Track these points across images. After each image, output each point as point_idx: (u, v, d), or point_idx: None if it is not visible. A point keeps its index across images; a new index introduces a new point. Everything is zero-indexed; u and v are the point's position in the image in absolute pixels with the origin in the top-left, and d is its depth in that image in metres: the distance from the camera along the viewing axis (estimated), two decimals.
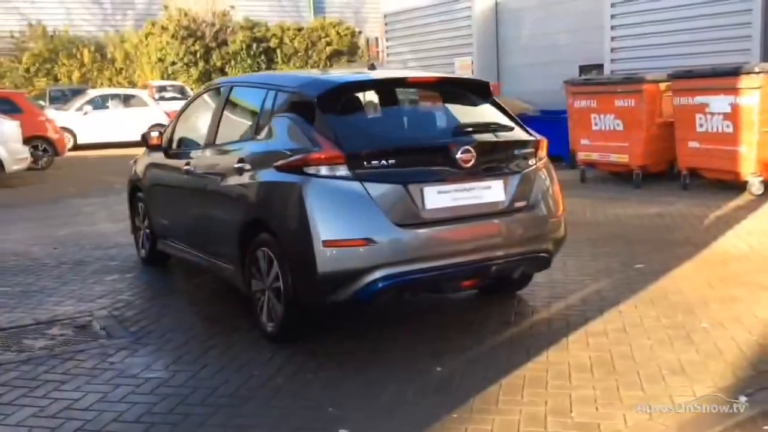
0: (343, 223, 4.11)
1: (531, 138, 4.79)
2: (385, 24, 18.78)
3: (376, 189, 4.14)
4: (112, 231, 8.64)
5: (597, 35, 13.20)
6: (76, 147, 19.47)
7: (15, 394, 3.92)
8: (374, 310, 5.00)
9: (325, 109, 4.37)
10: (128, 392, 3.90)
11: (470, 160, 4.35)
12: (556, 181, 4.98)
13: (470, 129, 4.68)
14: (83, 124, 19.78)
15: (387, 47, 18.53)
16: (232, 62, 28.02)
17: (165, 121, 20.97)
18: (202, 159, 5.46)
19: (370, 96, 4.70)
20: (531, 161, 4.73)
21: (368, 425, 3.43)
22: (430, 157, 4.36)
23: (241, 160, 4.75)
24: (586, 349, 4.28)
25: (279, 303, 4.42)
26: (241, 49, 28.10)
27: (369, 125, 4.52)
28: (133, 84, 26.38)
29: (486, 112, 4.89)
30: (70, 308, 5.54)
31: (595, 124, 10.79)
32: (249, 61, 28.26)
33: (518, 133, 4.80)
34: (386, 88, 4.80)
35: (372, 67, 5.13)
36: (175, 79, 26.43)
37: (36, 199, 11.89)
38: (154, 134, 6.35)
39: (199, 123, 5.84)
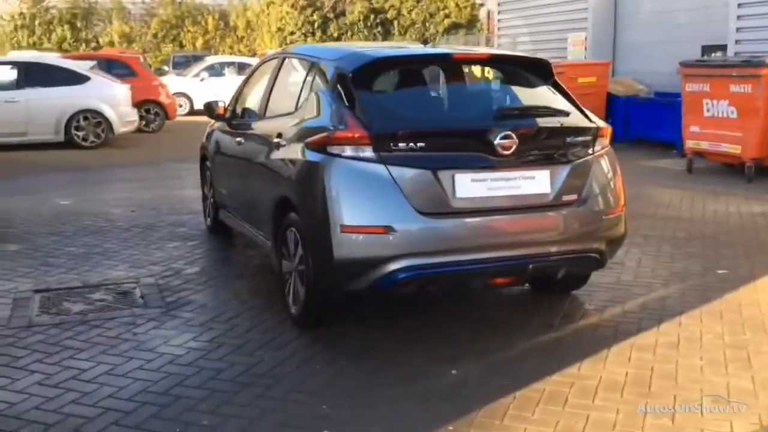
0: (362, 208, 3.87)
1: (589, 125, 4.34)
2: None
3: (403, 174, 3.85)
4: (195, 197, 8.77)
5: (722, 13, 12.10)
6: (192, 112, 20.12)
7: (31, 358, 3.97)
8: (408, 301, 4.73)
9: (360, 85, 4.11)
10: (136, 366, 3.85)
11: (511, 147, 3.98)
12: (619, 173, 4.51)
13: (515, 112, 4.29)
14: (199, 90, 20.36)
15: (499, 21, 17.88)
16: (349, 33, 28.11)
17: None
18: (253, 131, 5.36)
19: (412, 73, 4.39)
20: (588, 150, 4.28)
21: (350, 428, 3.20)
22: (466, 142, 4.02)
23: (279, 135, 4.59)
24: (625, 364, 3.85)
25: (302, 286, 4.25)
26: (359, 20, 28.13)
27: (403, 104, 4.22)
28: (253, 52, 27.00)
29: (541, 94, 4.47)
30: (122, 273, 5.61)
31: (707, 111, 9.89)
32: (365, 32, 28.25)
33: (575, 119, 4.35)
34: (429, 65, 4.47)
35: (425, 43, 4.80)
36: None
37: (139, 160, 12.32)
38: (221, 104, 6.31)
39: (256, 94, 5.73)
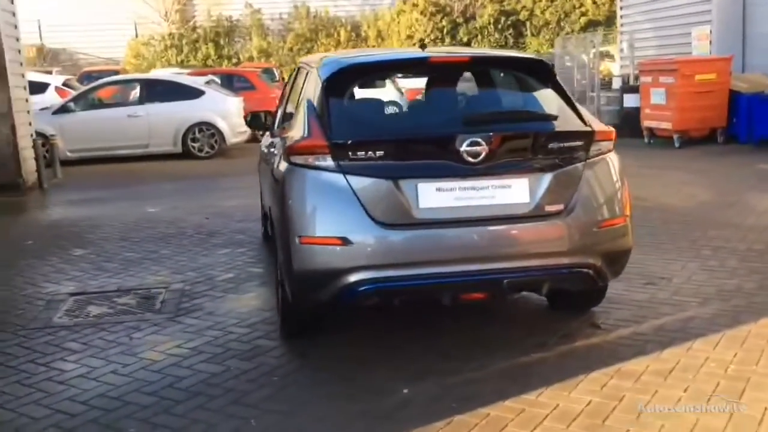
0: (319, 219, 3.78)
1: (579, 129, 4.00)
2: None
3: (363, 183, 3.73)
4: None
5: None
6: None
7: (26, 358, 4.22)
8: (404, 310, 4.57)
9: (332, 92, 4.03)
10: (110, 371, 4.00)
11: (479, 155, 3.75)
12: (623, 180, 4.13)
13: (490, 118, 4.03)
14: None
15: (622, 16, 16.97)
16: (479, 37, 27.79)
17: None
18: (272, 141, 5.43)
19: (388, 78, 4.25)
20: (578, 156, 3.95)
21: None
22: (430, 149, 3.82)
23: (272, 145, 4.61)
24: (595, 392, 3.49)
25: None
26: (489, 23, 27.72)
27: (372, 111, 4.09)
28: None
29: (531, 97, 4.19)
30: (160, 278, 5.86)
31: None
32: (496, 35, 27.82)
33: (563, 123, 4.03)
34: (405, 70, 4.30)
35: (423, 47, 4.62)
36: None
37: (245, 170, 12.80)
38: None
39: (283, 104, 5.80)
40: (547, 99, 4.16)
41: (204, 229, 7.68)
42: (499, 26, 27.92)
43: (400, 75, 4.42)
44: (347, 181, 3.74)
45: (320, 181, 3.80)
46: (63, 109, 13.45)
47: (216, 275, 5.89)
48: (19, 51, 11.64)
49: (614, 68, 19.30)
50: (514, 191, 3.85)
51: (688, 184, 9.30)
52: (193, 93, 13.91)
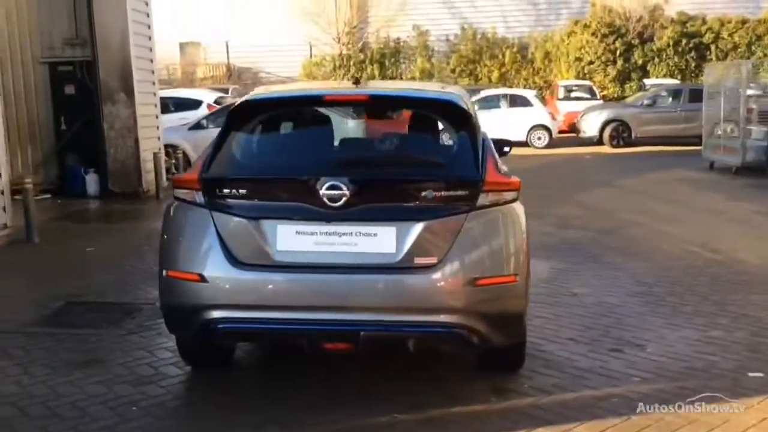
0: (183, 253, 3.83)
1: (461, 178, 3.69)
2: None
3: (226, 221, 3.73)
4: None
5: None
6: None
7: None
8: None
9: (233, 126, 4.06)
10: (37, 381, 4.21)
11: (339, 199, 3.59)
12: (519, 234, 3.76)
13: (357, 161, 3.84)
14: None
15: None
16: (655, 59, 26.11)
17: (548, 122, 20.84)
18: None
19: (283, 116, 4.17)
20: (459, 207, 3.66)
21: None
22: (293, 191, 3.73)
23: None
24: None
25: None
26: (668, 46, 25.96)
27: (252, 149, 4.04)
28: (548, 84, 26.63)
29: (425, 140, 3.93)
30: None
31: None
32: (676, 59, 25.99)
33: (448, 170, 3.76)
34: (305, 106, 4.19)
35: (356, 82, 4.47)
36: (590, 78, 25.81)
37: None
38: None
39: None
40: (445, 143, 3.89)
41: None
42: (680, 49, 26.06)
43: (297, 112, 4.29)
44: (212, 217, 3.75)
45: (189, 216, 3.85)
46: (197, 126, 14.55)
47: None
48: (153, 72, 12.76)
49: None
50: (380, 240, 3.65)
51: None
52: None
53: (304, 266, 3.68)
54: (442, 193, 3.65)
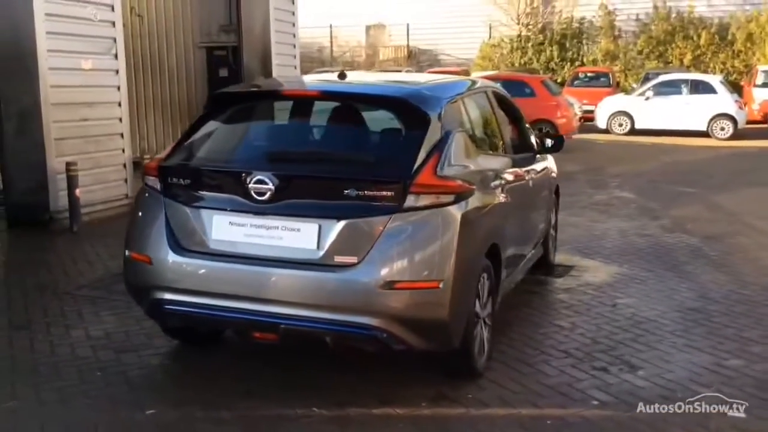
0: (138, 236, 4.10)
1: (387, 178, 3.59)
2: None
3: (174, 208, 3.97)
4: None
5: None
6: (633, 131, 19.42)
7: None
8: None
9: (208, 115, 4.27)
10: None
11: (264, 193, 3.67)
12: (449, 239, 3.61)
13: (284, 156, 3.84)
14: (643, 108, 19.48)
15: None
16: None
17: (733, 111, 18.91)
18: None
19: (250, 108, 4.25)
20: (384, 207, 3.59)
21: None
22: (229, 183, 3.85)
23: None
24: None
25: None
26: None
27: (205, 140, 4.16)
28: (748, 68, 24.12)
29: (365, 138, 3.86)
30: None
31: None
32: None
33: (378, 169, 3.67)
34: (268, 100, 4.22)
35: (341, 76, 4.42)
36: None
37: None
38: None
39: None
40: (385, 141, 3.79)
41: None
42: None
43: (259, 105, 4.37)
44: (164, 203, 3.98)
45: (147, 201, 4.11)
46: None
47: None
48: (294, 56, 13.38)
49: None
50: (303, 236, 3.68)
51: None
52: None
53: (234, 256, 3.80)
54: (366, 192, 3.59)
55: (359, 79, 5.21)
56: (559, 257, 6.79)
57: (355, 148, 3.99)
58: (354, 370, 4.17)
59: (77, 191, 7.76)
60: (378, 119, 4.09)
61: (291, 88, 4.50)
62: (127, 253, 4.16)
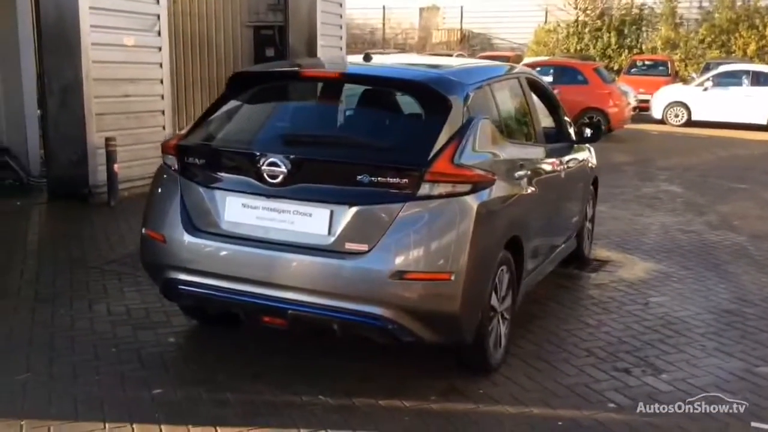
0: (154, 214, 4.08)
1: (402, 165, 3.48)
2: None
3: (189, 187, 3.93)
4: None
5: None
6: (689, 123, 18.82)
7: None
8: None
9: (228, 95, 4.23)
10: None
11: (277, 176, 3.60)
12: (463, 230, 3.50)
13: (301, 139, 3.74)
14: (700, 99, 18.84)
15: None
16: None
17: None
18: None
19: (271, 89, 4.17)
20: (397, 195, 3.48)
21: None
22: (240, 164, 3.80)
23: None
24: None
25: None
26: None
27: (223, 121, 4.10)
28: None
29: (385, 123, 3.75)
30: None
31: None
32: None
33: (393, 156, 3.57)
34: (285, 81, 4.12)
35: (367, 58, 4.29)
36: None
37: None
38: None
39: None
40: (403, 127, 3.68)
41: None
42: None
43: (279, 86, 4.29)
44: (180, 183, 3.95)
45: (164, 179, 4.09)
46: None
47: None
48: (341, 37, 13.29)
49: None
50: (314, 221, 3.60)
51: None
52: None
53: (245, 238, 3.74)
54: (380, 178, 3.48)
55: (385, 61, 5.08)
56: (595, 251, 6.59)
57: (372, 133, 3.89)
58: (366, 358, 4.09)
59: (116, 166, 7.85)
60: (403, 103, 3.99)
61: (310, 69, 4.42)
62: (143, 230, 4.15)
